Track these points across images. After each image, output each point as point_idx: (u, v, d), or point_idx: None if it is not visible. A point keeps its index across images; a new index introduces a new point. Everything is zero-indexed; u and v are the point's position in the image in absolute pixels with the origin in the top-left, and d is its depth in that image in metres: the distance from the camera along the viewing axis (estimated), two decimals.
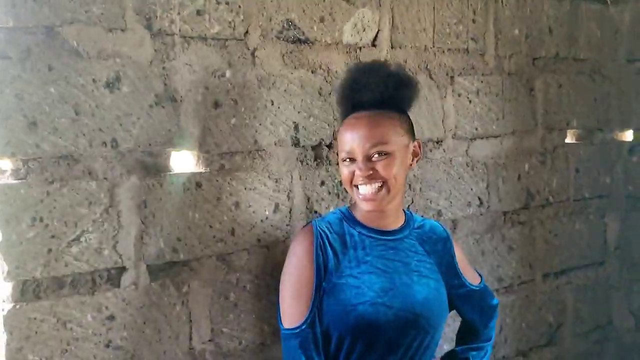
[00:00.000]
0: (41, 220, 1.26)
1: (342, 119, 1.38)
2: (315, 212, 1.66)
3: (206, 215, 1.48)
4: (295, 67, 1.60)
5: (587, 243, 2.42)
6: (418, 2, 1.84)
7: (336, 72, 1.68)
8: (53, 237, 1.28)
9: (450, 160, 1.96)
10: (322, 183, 1.68)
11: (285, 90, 1.59)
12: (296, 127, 1.62)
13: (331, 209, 1.69)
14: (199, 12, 1.44)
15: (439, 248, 1.43)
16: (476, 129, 2.02)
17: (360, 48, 1.73)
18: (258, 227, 1.56)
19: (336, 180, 1.70)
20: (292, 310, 1.32)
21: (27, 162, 1.26)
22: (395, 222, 1.37)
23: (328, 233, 1.33)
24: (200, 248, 1.48)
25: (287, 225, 1.62)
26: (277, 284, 1.57)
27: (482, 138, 2.04)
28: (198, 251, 1.47)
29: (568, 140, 2.33)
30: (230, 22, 1.49)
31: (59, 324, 1.29)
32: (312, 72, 1.64)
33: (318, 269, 1.30)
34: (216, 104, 1.48)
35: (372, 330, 1.26)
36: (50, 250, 1.28)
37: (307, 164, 1.64)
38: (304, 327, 1.29)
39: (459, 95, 1.96)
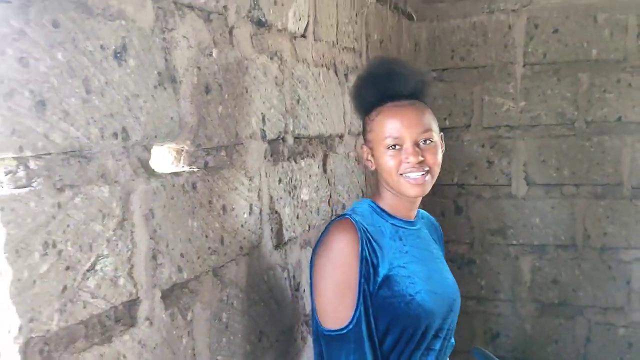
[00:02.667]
0: (54, 245, 0.87)
1: (366, 109, 1.33)
2: (277, 212, 1.53)
3: (202, 222, 1.22)
4: (259, 52, 1.44)
5: None
6: None
7: (286, 60, 1.57)
8: (68, 268, 0.89)
9: (348, 155, 2.02)
10: (280, 180, 1.55)
11: (254, 77, 1.42)
12: (263, 119, 1.46)
13: (287, 209, 1.58)
14: None
15: (438, 236, 1.50)
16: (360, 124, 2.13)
17: (295, 37, 1.65)
18: (239, 233, 1.36)
19: (288, 177, 1.59)
20: (336, 309, 1.21)
21: (27, 161, 0.85)
22: (415, 213, 1.39)
23: (367, 226, 1.27)
24: (198, 263, 1.21)
25: (259, 228, 1.45)
26: (256, 295, 1.42)
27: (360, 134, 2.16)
28: (197, 267, 1.20)
29: None
30: None
31: None
32: (270, 58, 1.50)
33: (365, 264, 1.23)
34: (207, 89, 1.23)
35: (429, 317, 1.26)
36: (65, 288, 0.88)
37: (268, 159, 1.50)
38: (351, 326, 1.20)
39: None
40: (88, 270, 0.93)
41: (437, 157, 1.29)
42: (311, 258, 1.31)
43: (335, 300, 1.22)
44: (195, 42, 1.19)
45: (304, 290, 1.68)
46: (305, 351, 1.69)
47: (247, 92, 1.38)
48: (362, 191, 2.16)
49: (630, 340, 2.65)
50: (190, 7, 1.18)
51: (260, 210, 1.45)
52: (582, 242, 2.69)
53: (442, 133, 1.38)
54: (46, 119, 0.85)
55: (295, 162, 1.63)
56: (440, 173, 2.95)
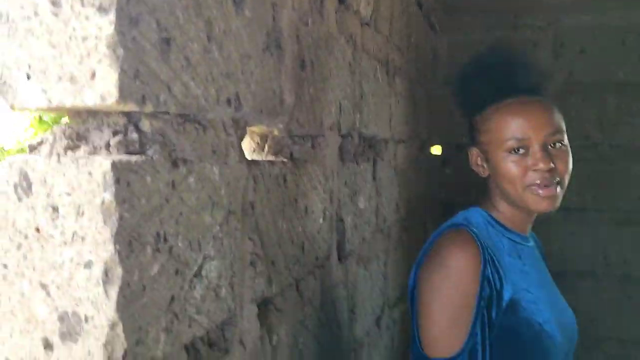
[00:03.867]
0: (165, 239, 0.63)
1: (478, 106, 1.14)
2: (341, 219, 1.31)
3: (289, 224, 0.99)
4: (340, 32, 1.24)
5: None
6: None
7: (359, 46, 1.38)
8: (177, 272, 0.65)
9: (390, 163, 1.83)
10: (345, 183, 1.34)
11: (336, 59, 1.21)
12: (340, 109, 1.25)
13: (349, 217, 1.36)
14: None
15: (543, 255, 1.31)
16: (400, 132, 1.95)
17: (362, 24, 1.46)
18: (316, 240, 1.14)
19: (352, 180, 1.38)
20: (448, 335, 1.01)
21: (139, 121, 0.61)
22: (530, 228, 1.20)
23: (484, 239, 1.07)
24: (285, 274, 0.98)
25: (330, 237, 1.23)
26: (324, 316, 1.19)
27: (400, 142, 1.98)
28: (284, 279, 0.97)
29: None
30: None
31: None
32: (347, 41, 1.30)
33: (488, 285, 1.03)
34: (303, 64, 1.02)
35: (557, 351, 1.07)
36: (172, 299, 0.64)
37: (340, 157, 1.29)
38: (462, 357, 1.00)
39: (395, 95, 1.86)
40: (195, 276, 0.69)
41: (568, 165, 1.10)
42: (415, 274, 1.10)
43: (448, 325, 1.01)
44: (298, 4, 0.98)
45: (357, 313, 1.47)
46: None
47: (330, 75, 1.18)
48: (397, 205, 1.97)
49: None
50: None
51: (331, 216, 1.24)
52: (602, 270, 2.59)
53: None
54: (170, 64, 0.62)
55: (357, 164, 1.43)
56: (454, 192, 2.81)
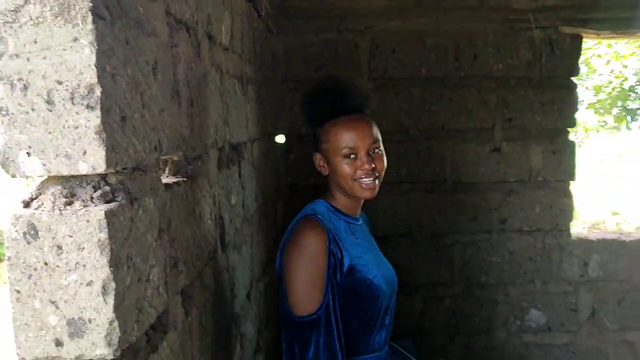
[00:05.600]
0: (131, 258, 0.88)
1: (318, 122, 1.48)
2: (222, 217, 1.60)
3: (191, 230, 1.27)
4: (211, 65, 1.51)
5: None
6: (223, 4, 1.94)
7: (224, 72, 1.65)
8: (139, 280, 0.91)
9: (249, 161, 2.14)
10: (222, 187, 1.62)
11: (211, 89, 1.48)
12: (216, 128, 1.52)
13: (226, 214, 1.65)
14: None
15: (370, 228, 1.72)
16: (254, 132, 2.25)
17: (224, 50, 1.73)
18: (207, 239, 1.42)
19: (226, 183, 1.67)
20: (308, 297, 1.37)
21: (107, 177, 0.85)
22: (359, 211, 1.59)
23: (327, 223, 1.44)
24: (192, 269, 1.25)
25: (215, 234, 1.51)
26: (218, 298, 1.50)
27: (255, 140, 2.28)
28: (192, 273, 1.25)
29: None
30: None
31: None
32: (216, 71, 1.56)
33: (332, 257, 1.40)
34: (191, 102, 1.28)
35: (384, 297, 1.48)
36: (137, 300, 0.90)
37: (217, 167, 1.56)
38: (320, 312, 1.38)
39: (249, 102, 2.15)
40: (147, 281, 0.95)
41: (384, 164, 1.53)
42: (280, 253, 1.44)
43: (308, 289, 1.37)
44: (186, 57, 1.24)
45: (236, 291, 1.77)
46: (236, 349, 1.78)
47: (208, 103, 1.44)
48: (256, 195, 2.29)
49: (453, 309, 3.23)
50: (182, 22, 1.22)
51: (215, 217, 1.52)
52: (416, 231, 3.19)
53: None
54: (125, 134, 0.87)
55: (229, 168, 1.71)
56: (297, 176, 3.17)
